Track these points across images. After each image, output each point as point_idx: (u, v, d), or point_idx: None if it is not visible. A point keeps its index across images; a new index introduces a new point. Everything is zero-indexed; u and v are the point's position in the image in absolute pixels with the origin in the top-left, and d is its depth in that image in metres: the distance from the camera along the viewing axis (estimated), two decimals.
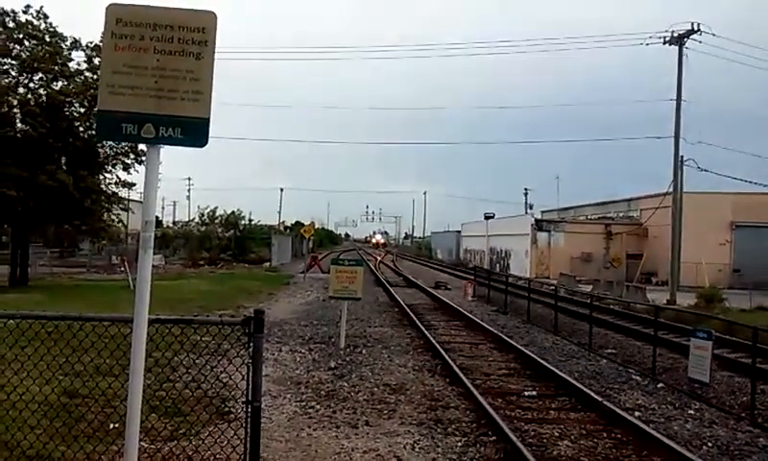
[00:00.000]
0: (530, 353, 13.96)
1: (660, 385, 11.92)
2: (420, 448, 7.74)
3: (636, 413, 9.75)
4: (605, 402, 9.86)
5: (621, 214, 53.00)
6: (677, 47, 31.13)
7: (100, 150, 29.53)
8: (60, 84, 27.79)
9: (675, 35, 31.11)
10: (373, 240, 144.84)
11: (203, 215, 60.30)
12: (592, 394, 10.40)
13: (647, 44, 32.39)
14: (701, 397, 10.89)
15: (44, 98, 27.37)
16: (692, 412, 10.04)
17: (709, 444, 8.47)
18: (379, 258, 70.98)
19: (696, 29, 30.68)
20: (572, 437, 8.44)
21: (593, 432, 8.66)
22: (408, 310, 21.38)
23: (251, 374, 4.54)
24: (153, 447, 6.63)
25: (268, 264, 50.95)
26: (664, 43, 31.40)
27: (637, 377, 12.57)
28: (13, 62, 27.32)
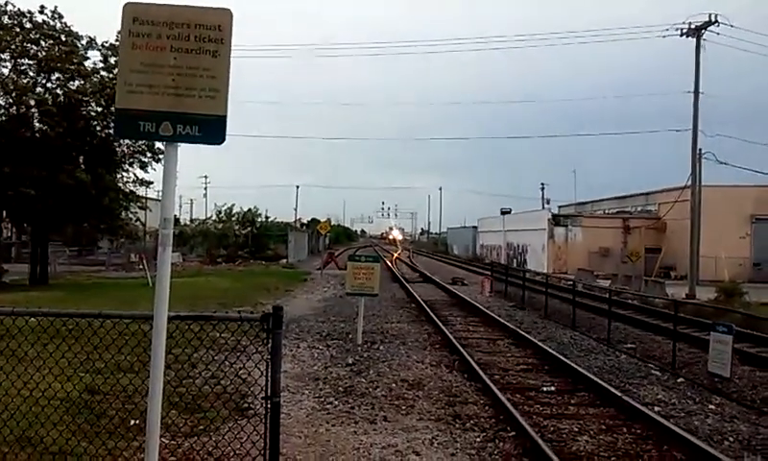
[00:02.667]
0: (548, 349, 13.90)
1: (680, 380, 11.82)
2: (438, 444, 7.73)
3: (656, 408, 9.69)
4: (624, 397, 9.80)
5: (639, 208, 52.53)
6: (694, 39, 30.88)
7: (117, 148, 29.82)
8: (76, 83, 28.07)
9: (692, 26, 30.81)
10: (390, 236, 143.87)
11: (220, 213, 60.58)
12: (611, 389, 10.33)
13: (664, 36, 32.12)
14: (721, 391, 10.79)
15: (61, 98, 27.64)
16: (713, 407, 9.95)
17: (731, 438, 8.39)
18: (395, 255, 70.92)
19: (714, 20, 30.35)
20: (591, 432, 8.40)
21: (613, 427, 8.61)
22: (425, 306, 21.36)
23: (269, 369, 4.55)
24: (173, 442, 6.68)
25: (285, 261, 51.19)
26: (681, 35, 31.11)
27: (657, 372, 12.48)
28: (31, 63, 27.64)
